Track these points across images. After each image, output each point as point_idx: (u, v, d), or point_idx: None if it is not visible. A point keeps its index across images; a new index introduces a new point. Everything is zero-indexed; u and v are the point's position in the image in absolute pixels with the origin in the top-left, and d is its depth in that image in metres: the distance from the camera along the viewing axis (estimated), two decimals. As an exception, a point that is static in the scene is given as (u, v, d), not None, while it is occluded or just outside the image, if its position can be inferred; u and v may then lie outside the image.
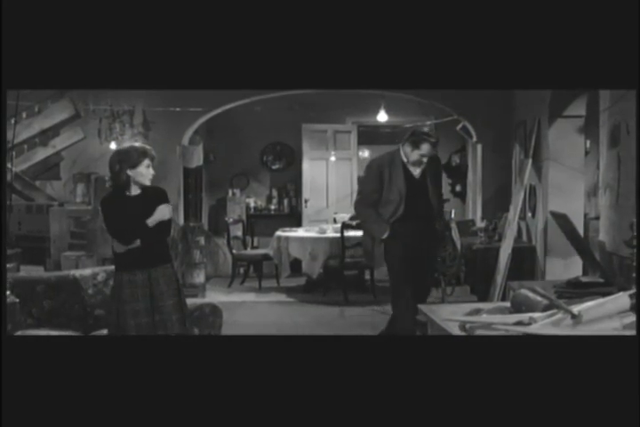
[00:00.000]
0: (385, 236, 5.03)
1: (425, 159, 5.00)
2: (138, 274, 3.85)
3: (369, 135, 11.49)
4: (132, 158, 3.84)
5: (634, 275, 3.63)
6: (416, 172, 5.08)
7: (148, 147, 3.95)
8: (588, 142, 7.69)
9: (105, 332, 4.06)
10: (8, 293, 4.13)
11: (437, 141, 5.08)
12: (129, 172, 3.84)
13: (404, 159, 5.05)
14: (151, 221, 3.83)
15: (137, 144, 4.06)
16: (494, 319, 2.59)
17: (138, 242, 3.86)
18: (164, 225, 3.90)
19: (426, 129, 5.17)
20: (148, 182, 3.89)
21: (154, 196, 3.93)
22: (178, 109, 8.24)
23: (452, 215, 6.83)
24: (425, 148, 4.95)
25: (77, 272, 4.78)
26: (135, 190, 3.89)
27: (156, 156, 3.95)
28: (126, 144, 4.25)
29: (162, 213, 3.87)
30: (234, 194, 10.41)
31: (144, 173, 3.85)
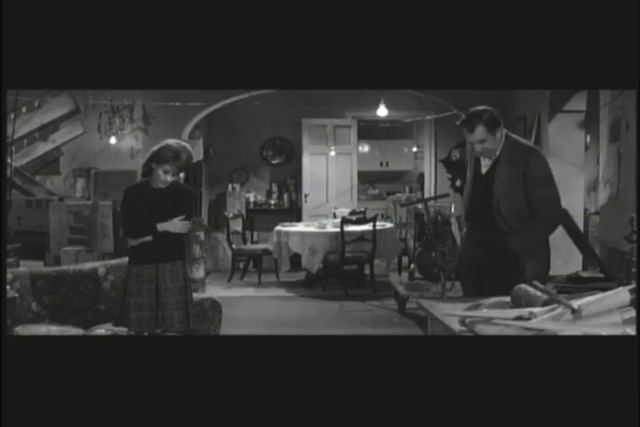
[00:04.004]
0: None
1: (481, 146, 3.62)
2: (145, 268, 3.90)
3: (369, 130, 11.49)
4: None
5: (634, 270, 3.63)
6: (485, 166, 3.73)
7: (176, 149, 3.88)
8: (588, 137, 7.69)
9: (104, 328, 4.07)
10: (8, 287, 4.13)
11: (493, 120, 3.65)
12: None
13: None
14: (160, 227, 3.85)
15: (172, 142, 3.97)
16: (494, 314, 2.59)
17: (150, 237, 3.89)
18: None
19: (479, 108, 3.74)
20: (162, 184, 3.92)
21: (175, 193, 3.95)
22: (178, 104, 8.23)
23: (452, 210, 6.81)
24: (479, 131, 3.61)
25: (77, 267, 4.78)
26: (162, 184, 3.92)
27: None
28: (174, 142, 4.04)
29: (173, 226, 3.89)
30: (234, 189, 10.41)
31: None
